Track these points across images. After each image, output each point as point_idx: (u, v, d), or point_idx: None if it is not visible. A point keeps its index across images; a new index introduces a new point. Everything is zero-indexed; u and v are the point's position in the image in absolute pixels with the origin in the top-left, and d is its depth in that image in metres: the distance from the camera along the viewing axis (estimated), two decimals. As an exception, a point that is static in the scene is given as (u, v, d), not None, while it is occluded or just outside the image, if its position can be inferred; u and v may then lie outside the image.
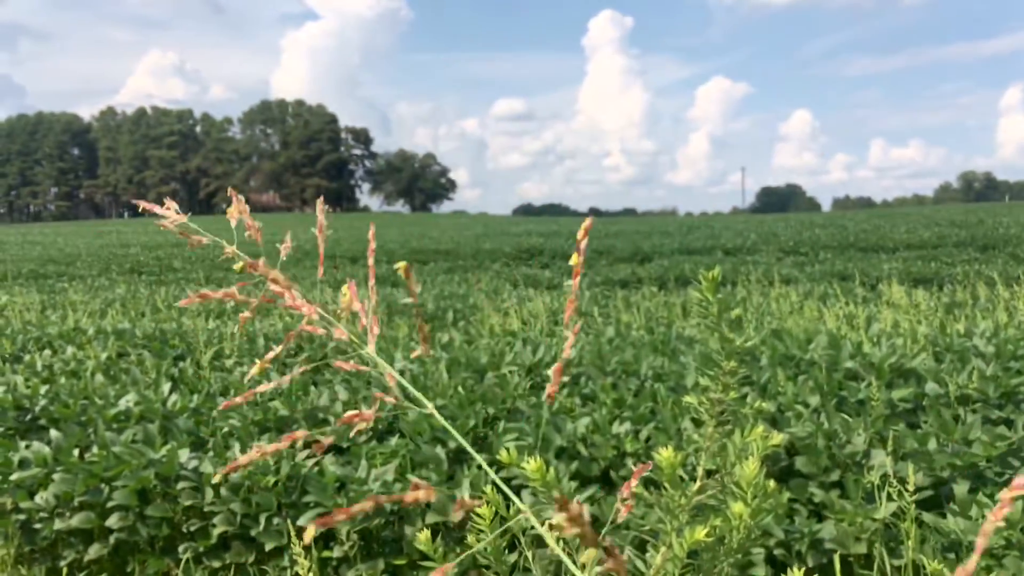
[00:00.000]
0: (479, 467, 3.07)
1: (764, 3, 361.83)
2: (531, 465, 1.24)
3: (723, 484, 1.38)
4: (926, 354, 4.01)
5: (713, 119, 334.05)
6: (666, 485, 1.29)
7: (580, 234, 0.82)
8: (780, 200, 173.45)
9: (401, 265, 0.77)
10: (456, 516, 2.74)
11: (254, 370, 0.88)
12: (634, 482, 0.93)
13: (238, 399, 0.87)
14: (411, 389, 0.82)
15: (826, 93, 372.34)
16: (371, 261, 0.88)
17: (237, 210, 0.88)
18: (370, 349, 0.85)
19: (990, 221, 30.85)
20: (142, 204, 0.93)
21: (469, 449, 0.76)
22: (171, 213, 0.90)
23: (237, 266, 0.85)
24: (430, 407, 0.80)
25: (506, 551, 1.55)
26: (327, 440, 0.75)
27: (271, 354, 0.87)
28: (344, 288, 0.89)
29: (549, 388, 0.77)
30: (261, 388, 0.87)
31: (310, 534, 0.65)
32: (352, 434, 0.71)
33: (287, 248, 0.88)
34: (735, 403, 1.35)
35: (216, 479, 0.68)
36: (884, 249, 22.43)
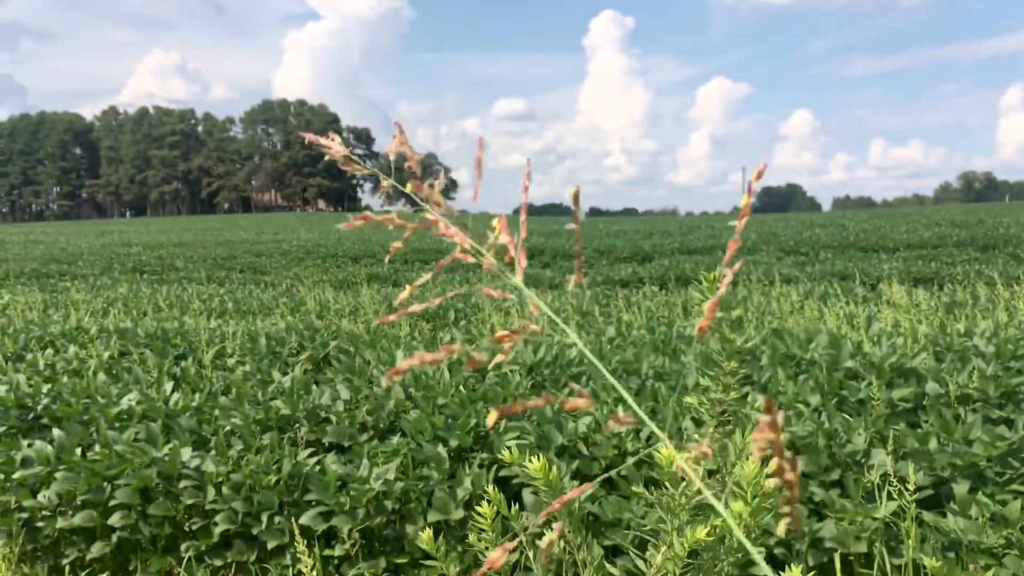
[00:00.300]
0: (480, 466, 3.08)
1: (764, 3, 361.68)
2: (534, 464, 1.25)
3: (724, 483, 1.39)
4: (926, 354, 4.01)
5: (714, 119, 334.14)
6: (666, 484, 1.30)
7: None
8: (781, 200, 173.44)
9: (572, 191, 0.80)
10: (457, 514, 2.75)
11: (404, 293, 0.90)
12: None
13: (392, 317, 0.89)
14: (556, 319, 0.83)
15: (826, 93, 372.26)
16: (523, 191, 0.89)
17: (398, 142, 0.90)
18: (517, 279, 0.86)
19: (990, 221, 30.82)
20: (309, 137, 0.95)
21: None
22: (335, 144, 0.93)
23: (409, 187, 0.87)
24: (573, 337, 0.82)
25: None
26: (480, 356, 0.77)
27: (421, 280, 0.90)
28: (494, 222, 0.90)
29: (702, 322, 0.78)
30: (414, 308, 0.89)
31: (493, 418, 0.65)
32: (495, 362, 0.72)
33: (440, 183, 0.90)
34: (736, 403, 1.36)
35: (384, 383, 0.69)
36: (884, 249, 22.42)
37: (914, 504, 2.31)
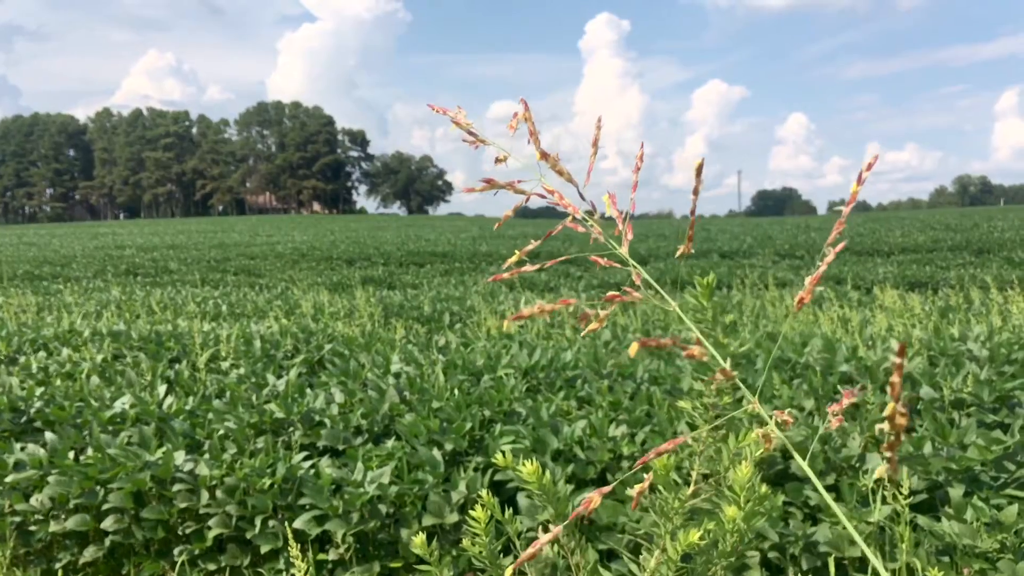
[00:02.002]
0: (475, 470, 3.08)
1: (760, 6, 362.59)
2: (527, 468, 1.25)
3: (718, 487, 1.38)
4: (921, 358, 4.02)
5: (710, 122, 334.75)
6: (660, 488, 1.30)
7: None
8: (776, 203, 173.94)
9: (698, 162, 0.82)
10: (452, 518, 2.73)
11: (513, 259, 0.96)
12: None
13: (504, 275, 0.94)
14: (658, 288, 0.88)
15: (822, 96, 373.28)
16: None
17: (523, 117, 0.93)
18: (623, 250, 0.91)
19: (985, 225, 30.93)
20: (436, 107, 0.98)
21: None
22: (461, 117, 0.96)
23: (537, 155, 0.90)
24: (673, 305, 0.87)
25: (501, 554, 1.56)
26: (592, 312, 0.79)
27: (529, 247, 0.95)
28: (605, 197, 0.94)
29: (801, 294, 0.80)
30: (526, 268, 0.93)
31: (634, 350, 0.65)
32: (587, 331, 0.75)
33: (557, 159, 0.93)
34: (730, 407, 1.36)
35: (507, 326, 0.72)
36: (879, 253, 22.48)
37: (908, 508, 2.31)
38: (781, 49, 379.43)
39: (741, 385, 0.79)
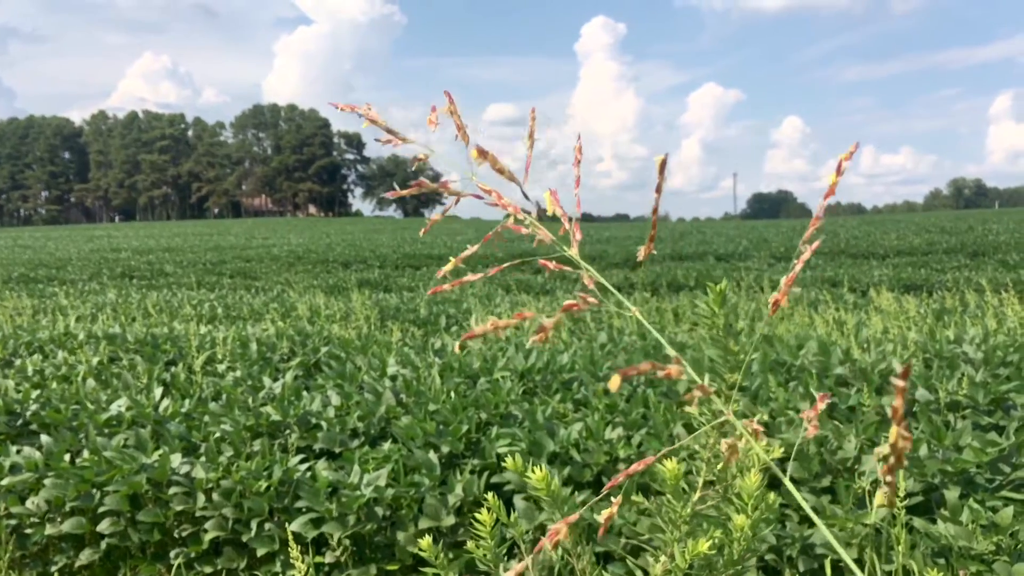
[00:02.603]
0: (471, 472, 3.08)
1: (756, 10, 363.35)
2: (536, 475, 1.25)
3: (723, 494, 1.38)
4: (916, 360, 4.03)
5: (705, 125, 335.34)
6: (668, 495, 1.30)
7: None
8: (771, 206, 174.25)
9: (659, 159, 0.79)
10: (448, 521, 2.73)
11: (448, 267, 0.92)
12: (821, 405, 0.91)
13: (446, 286, 0.90)
14: (616, 293, 0.83)
15: (817, 100, 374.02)
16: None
17: (447, 111, 0.90)
18: (573, 252, 0.87)
19: (980, 228, 31.01)
20: (340, 105, 0.94)
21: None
22: (374, 114, 0.94)
23: (473, 152, 0.85)
24: (635, 310, 0.83)
25: (505, 557, 1.56)
26: (549, 323, 0.76)
27: (467, 252, 0.92)
28: (547, 194, 0.90)
29: (776, 296, 0.78)
30: (468, 278, 0.89)
31: (615, 384, 0.64)
32: (534, 341, 0.72)
33: (495, 157, 0.88)
34: (736, 414, 1.36)
35: (457, 348, 0.67)
36: (874, 255, 22.53)
37: (904, 510, 2.31)
38: (776, 52, 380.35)
39: (716, 399, 0.77)
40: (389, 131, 0.93)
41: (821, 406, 0.87)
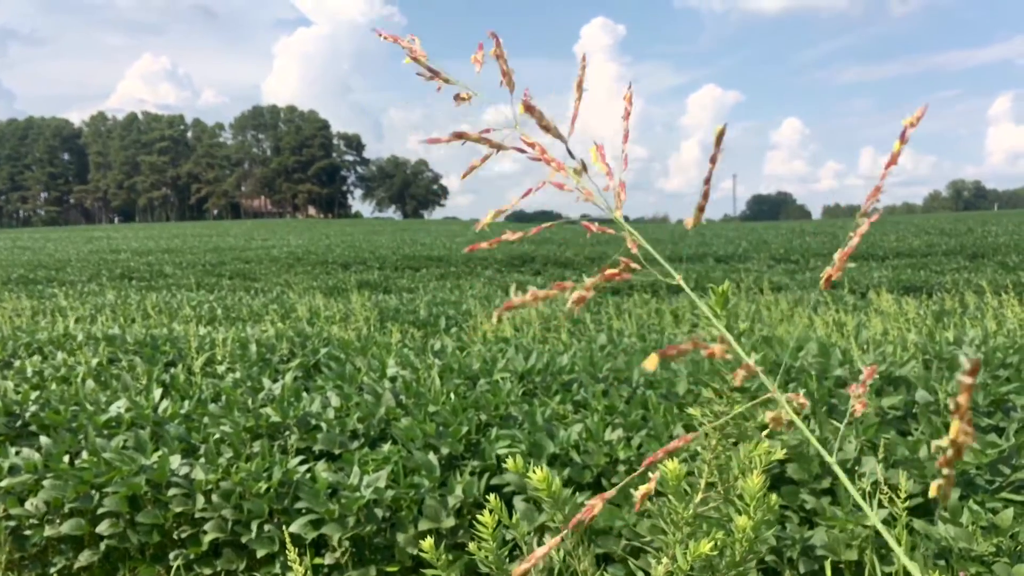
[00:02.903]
0: (471, 474, 3.08)
1: (755, 12, 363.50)
2: (537, 475, 1.25)
3: (725, 496, 1.38)
4: (915, 362, 4.03)
5: (704, 126, 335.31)
6: (670, 496, 1.30)
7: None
8: (771, 208, 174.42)
9: (718, 128, 0.76)
10: (448, 522, 2.73)
11: (487, 219, 0.84)
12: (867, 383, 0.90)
13: (484, 244, 0.84)
14: (657, 256, 0.79)
15: (816, 101, 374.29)
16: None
17: (493, 54, 0.83)
18: (617, 215, 0.82)
19: (979, 230, 31.04)
20: (384, 34, 0.87)
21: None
22: (417, 47, 0.86)
23: (520, 107, 0.79)
24: (678, 278, 0.80)
25: (507, 559, 1.56)
26: (587, 293, 0.72)
27: (508, 208, 0.84)
28: (592, 149, 0.85)
29: (830, 271, 0.76)
30: (507, 236, 0.82)
31: (653, 363, 0.61)
32: (572, 302, 0.68)
33: (542, 112, 0.82)
34: (740, 416, 1.36)
35: (494, 319, 0.62)
36: (874, 257, 22.54)
37: (905, 512, 2.31)
38: (776, 54, 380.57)
39: (767, 380, 0.75)
40: (431, 69, 0.87)
41: (869, 380, 0.85)
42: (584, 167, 0.83)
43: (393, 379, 4.33)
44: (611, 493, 0.80)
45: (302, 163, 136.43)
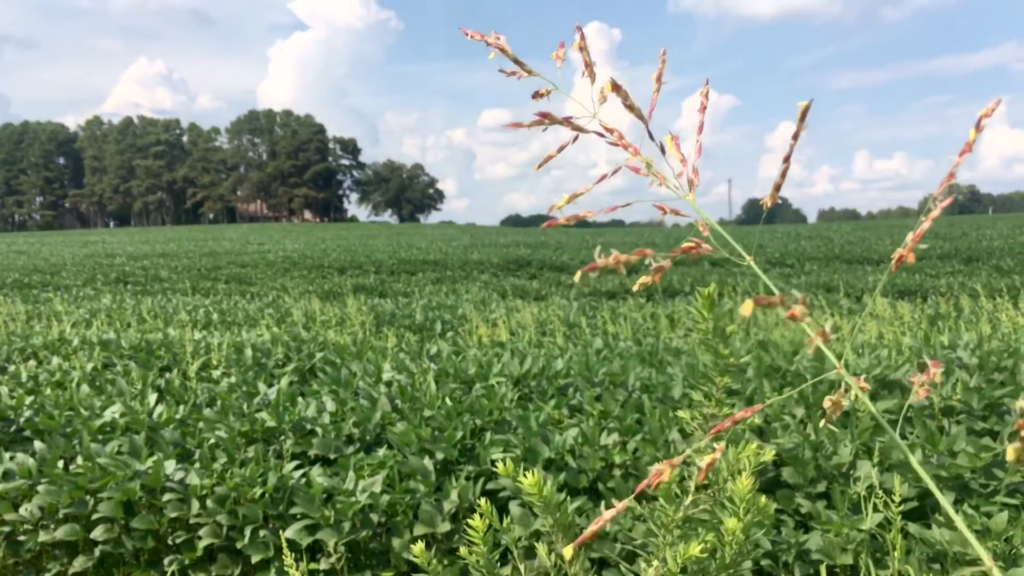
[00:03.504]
0: (467, 479, 3.07)
1: (749, 17, 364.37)
2: (528, 479, 1.25)
3: (716, 498, 1.38)
4: (910, 365, 4.03)
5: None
6: (661, 499, 1.30)
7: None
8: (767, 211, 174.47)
9: (803, 104, 0.77)
10: (444, 527, 2.73)
11: (564, 201, 0.87)
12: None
13: (561, 219, 0.86)
14: (727, 237, 0.83)
15: (811, 106, 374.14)
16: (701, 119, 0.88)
17: (576, 47, 0.86)
18: (691, 198, 0.85)
19: (974, 234, 31.12)
20: (470, 32, 0.90)
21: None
22: (503, 43, 0.89)
23: (607, 86, 0.81)
24: (749, 259, 0.84)
25: (498, 563, 1.56)
26: (664, 264, 0.73)
27: (587, 188, 0.88)
28: (667, 138, 0.87)
29: (902, 251, 0.77)
30: (586, 213, 0.85)
31: (749, 308, 0.63)
32: (641, 283, 0.69)
33: (627, 92, 0.85)
34: (726, 417, 1.36)
35: (577, 278, 0.63)
36: (869, 261, 22.58)
37: (899, 516, 2.32)
38: (770, 59, 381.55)
39: (826, 350, 0.75)
40: (516, 61, 0.89)
41: (934, 371, 0.84)
42: (663, 150, 0.87)
43: (389, 384, 4.33)
44: (623, 505, 0.79)
45: (298, 167, 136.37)
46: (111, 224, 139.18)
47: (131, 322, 10.31)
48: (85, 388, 4.56)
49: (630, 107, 0.85)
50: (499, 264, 23.79)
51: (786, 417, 3.28)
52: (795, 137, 0.80)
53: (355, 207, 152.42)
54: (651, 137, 0.86)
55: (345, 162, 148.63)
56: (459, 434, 3.31)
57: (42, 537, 3.11)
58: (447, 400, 3.84)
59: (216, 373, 5.14)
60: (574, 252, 25.91)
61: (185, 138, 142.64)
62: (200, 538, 2.99)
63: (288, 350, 5.66)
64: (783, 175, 0.83)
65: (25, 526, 3.18)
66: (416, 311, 10.39)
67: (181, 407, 4.03)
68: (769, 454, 1.39)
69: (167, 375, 5.09)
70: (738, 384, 3.79)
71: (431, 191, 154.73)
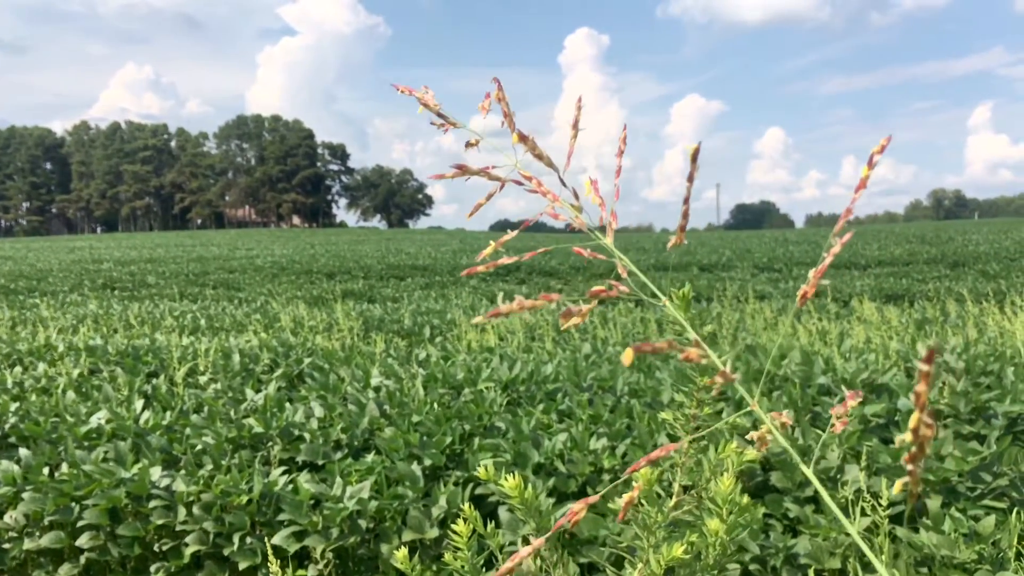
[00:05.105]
0: (455, 484, 3.06)
1: (737, 23, 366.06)
2: (509, 483, 1.24)
3: (699, 499, 1.38)
4: (897, 369, 4.05)
5: (688, 136, 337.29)
6: (643, 501, 1.30)
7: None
8: (754, 217, 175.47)
9: (692, 148, 0.77)
10: (432, 533, 2.72)
11: (488, 250, 0.89)
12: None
13: (480, 268, 0.88)
14: (644, 278, 0.83)
15: (799, 111, 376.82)
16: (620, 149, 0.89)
17: (496, 98, 0.89)
18: (608, 240, 0.86)
19: (960, 239, 31.33)
20: (400, 87, 0.91)
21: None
22: (429, 98, 0.90)
23: (514, 137, 0.85)
24: (664, 300, 0.83)
25: (484, 569, 1.55)
26: (576, 308, 0.73)
27: (506, 238, 0.90)
28: (586, 181, 0.89)
29: (805, 288, 0.76)
30: (502, 261, 0.87)
31: (628, 358, 0.61)
32: (567, 325, 0.68)
33: (535, 143, 0.87)
34: (710, 419, 1.36)
35: (475, 322, 0.63)
36: (856, 266, 22.70)
37: (887, 519, 2.32)
38: (758, 64, 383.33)
39: (742, 389, 0.76)
40: (441, 115, 0.91)
41: (851, 403, 0.85)
42: (576, 196, 0.88)
43: (377, 389, 4.31)
44: (595, 498, 0.80)
45: (286, 172, 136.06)
46: (98, 229, 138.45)
47: (118, 328, 10.25)
48: (71, 394, 4.52)
49: (538, 156, 0.87)
50: (487, 269, 23.75)
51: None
52: (690, 179, 0.79)
53: (344, 212, 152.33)
54: (563, 184, 0.88)
55: (334, 167, 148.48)
56: (448, 439, 3.30)
57: (27, 545, 3.08)
58: (436, 405, 3.83)
59: (203, 379, 5.12)
60: (563, 257, 25.93)
61: (173, 143, 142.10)
62: (187, 545, 2.97)
63: (276, 356, 5.64)
64: (685, 216, 0.83)
65: (10, 534, 3.15)
66: (405, 316, 10.38)
67: (168, 413, 4.01)
68: (752, 453, 1.39)
69: (154, 381, 5.06)
70: (727, 388, 3.80)
71: (420, 196, 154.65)
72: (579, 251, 0.90)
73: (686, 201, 0.82)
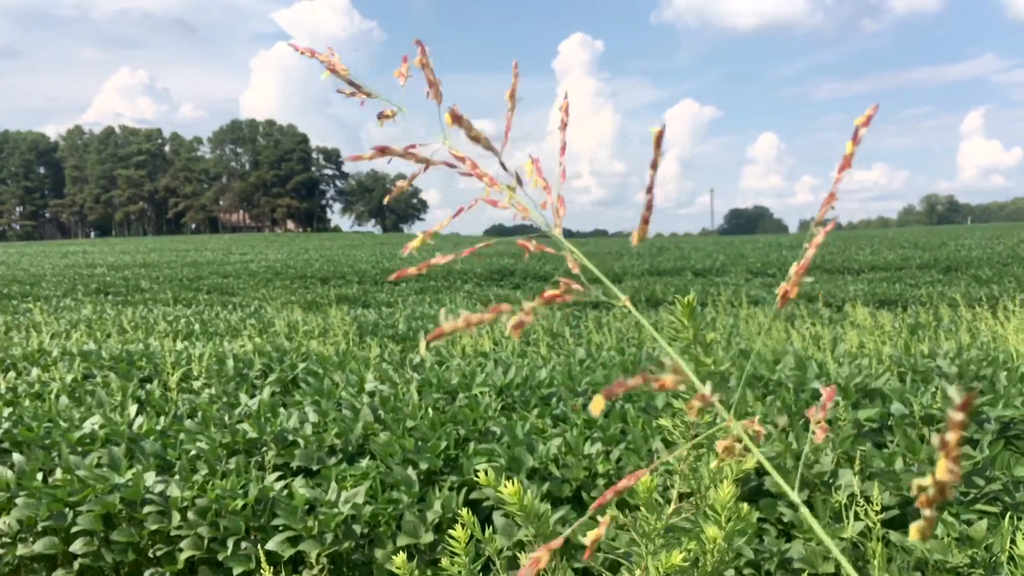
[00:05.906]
0: (450, 489, 3.06)
1: (730, 28, 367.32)
2: (508, 489, 1.25)
3: (697, 507, 1.39)
4: (891, 374, 4.06)
5: (682, 141, 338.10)
6: (642, 508, 1.30)
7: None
8: (748, 222, 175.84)
9: (656, 131, 0.70)
10: (427, 538, 2.72)
11: (415, 242, 0.80)
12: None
13: (411, 270, 0.79)
14: (599, 274, 0.76)
15: (792, 116, 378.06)
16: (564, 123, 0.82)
17: (418, 63, 0.79)
18: (556, 232, 0.77)
19: (953, 244, 31.42)
20: (300, 48, 0.82)
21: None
22: (336, 62, 0.82)
23: (447, 117, 0.74)
24: (624, 299, 0.75)
25: (480, 574, 1.55)
26: (526, 318, 0.65)
27: (435, 228, 0.81)
28: (528, 163, 0.80)
29: (786, 287, 0.71)
30: (436, 260, 0.77)
31: (598, 406, 0.59)
32: (512, 329, 0.58)
33: (470, 123, 0.77)
34: (709, 426, 1.37)
35: (422, 349, 0.57)
36: (850, 271, 22.76)
37: (880, 524, 2.33)
38: (751, 70, 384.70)
39: (717, 404, 0.73)
40: (352, 83, 0.83)
41: (829, 402, 0.82)
42: (519, 181, 0.79)
43: (371, 394, 4.31)
44: (577, 525, 0.80)
45: (281, 177, 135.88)
46: (92, 234, 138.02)
47: (112, 333, 10.22)
48: (64, 399, 4.51)
49: (475, 138, 0.77)
50: (483, 274, 23.78)
51: (769, 426, 3.29)
52: (653, 166, 0.72)
53: (338, 217, 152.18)
54: (504, 168, 0.78)
55: (328, 172, 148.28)
56: (442, 444, 3.30)
57: (20, 550, 3.07)
58: (430, 410, 3.83)
59: (197, 384, 5.11)
60: (558, 262, 25.93)
61: (167, 148, 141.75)
62: (181, 550, 2.97)
63: (270, 361, 5.63)
64: (649, 207, 0.75)
65: (3, 539, 3.14)
66: (399, 321, 10.37)
67: (162, 418, 4.00)
68: (751, 461, 1.40)
69: (148, 386, 5.05)
70: (721, 393, 3.80)
71: (414, 201, 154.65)
72: (523, 244, 0.80)
73: (649, 190, 0.74)
